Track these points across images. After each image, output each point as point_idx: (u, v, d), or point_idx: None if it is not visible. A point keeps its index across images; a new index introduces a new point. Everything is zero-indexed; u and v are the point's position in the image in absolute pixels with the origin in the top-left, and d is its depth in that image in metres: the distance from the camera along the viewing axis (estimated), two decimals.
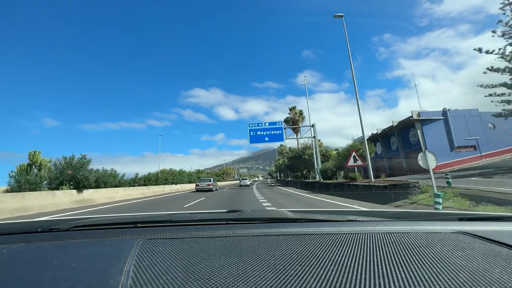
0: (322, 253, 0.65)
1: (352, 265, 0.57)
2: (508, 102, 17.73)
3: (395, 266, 0.57)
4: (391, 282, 0.50)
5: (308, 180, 26.27)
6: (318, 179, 22.33)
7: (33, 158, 18.66)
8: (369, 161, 14.31)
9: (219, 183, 36.78)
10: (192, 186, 26.03)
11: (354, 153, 14.10)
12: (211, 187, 21.14)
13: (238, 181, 54.62)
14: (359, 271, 0.55)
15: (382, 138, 35.52)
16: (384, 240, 0.73)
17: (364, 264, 0.58)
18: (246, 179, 38.22)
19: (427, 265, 0.57)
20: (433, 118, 28.30)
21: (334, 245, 0.70)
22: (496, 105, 18.32)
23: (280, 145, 60.63)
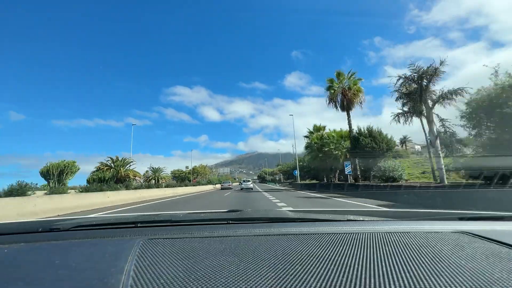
0: (323, 252, 0.65)
1: (353, 264, 0.58)
2: None
3: (396, 265, 0.57)
4: (392, 282, 0.50)
5: None
6: None
7: None
8: None
9: (179, 190, 25.20)
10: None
11: None
12: (230, 186, 32.83)
13: (213, 187, 39.42)
14: (360, 271, 0.55)
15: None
16: (385, 239, 0.74)
17: (364, 263, 0.58)
18: (249, 181, 31.31)
19: (427, 265, 0.57)
20: None
21: (334, 245, 0.70)
22: None
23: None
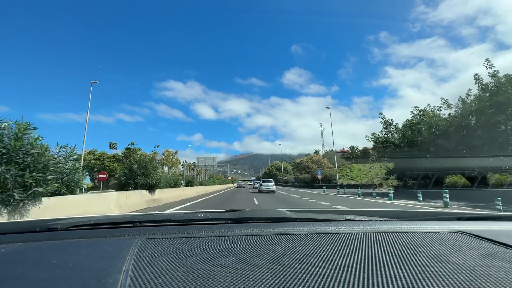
0: (321, 252, 0.65)
1: (351, 264, 0.58)
2: None
3: (394, 265, 0.57)
4: (390, 281, 0.50)
5: None
6: None
7: None
8: None
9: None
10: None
11: None
12: (243, 185, 45.52)
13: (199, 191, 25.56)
14: (358, 271, 0.55)
15: None
16: (383, 239, 0.74)
17: (362, 263, 0.59)
18: (270, 181, 24.59)
19: (425, 264, 0.58)
20: None
21: (333, 245, 0.70)
22: None
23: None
